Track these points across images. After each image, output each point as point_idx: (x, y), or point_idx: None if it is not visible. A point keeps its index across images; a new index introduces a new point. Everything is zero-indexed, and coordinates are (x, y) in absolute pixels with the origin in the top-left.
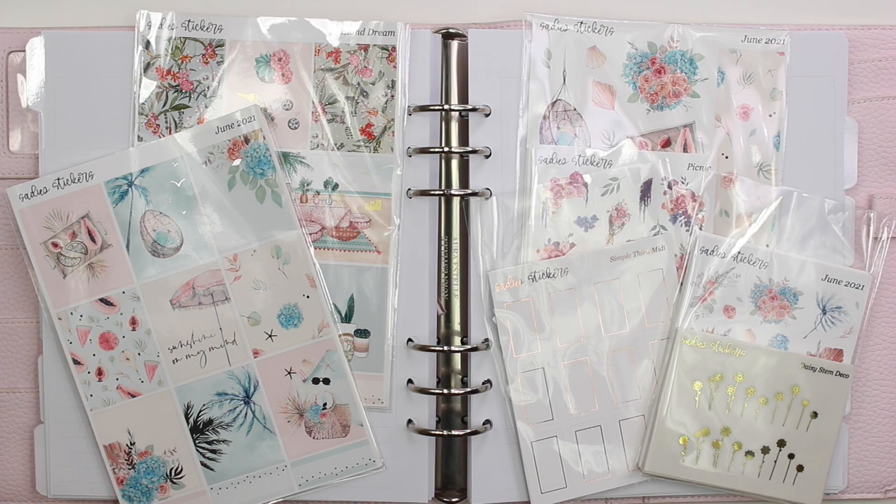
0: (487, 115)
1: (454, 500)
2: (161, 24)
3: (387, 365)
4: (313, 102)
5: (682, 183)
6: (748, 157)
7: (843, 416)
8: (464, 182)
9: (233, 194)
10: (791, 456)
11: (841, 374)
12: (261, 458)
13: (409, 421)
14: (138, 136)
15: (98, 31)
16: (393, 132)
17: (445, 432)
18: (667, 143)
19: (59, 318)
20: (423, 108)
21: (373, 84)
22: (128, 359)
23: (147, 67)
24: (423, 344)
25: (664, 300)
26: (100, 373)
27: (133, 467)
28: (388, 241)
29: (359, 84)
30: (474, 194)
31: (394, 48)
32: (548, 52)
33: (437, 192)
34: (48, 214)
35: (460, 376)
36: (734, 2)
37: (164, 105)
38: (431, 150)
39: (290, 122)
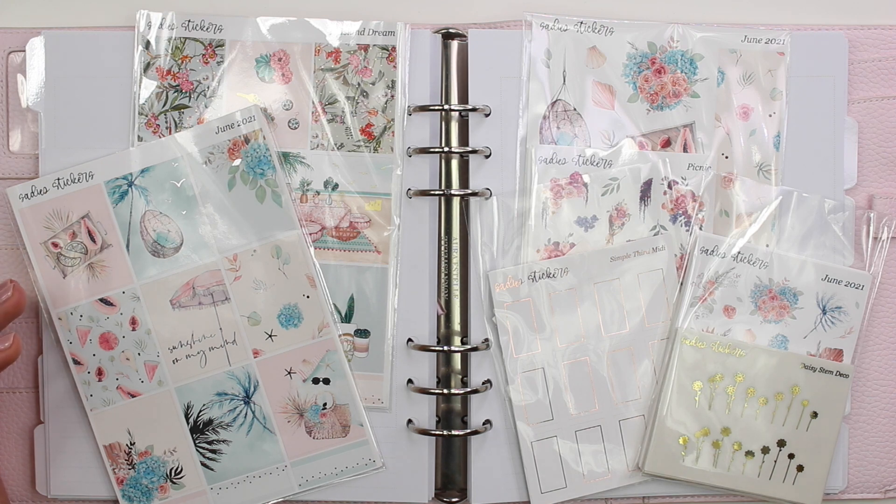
0: (487, 115)
1: (454, 500)
2: (161, 24)
3: (387, 365)
4: (313, 102)
5: (682, 183)
6: (748, 157)
7: (843, 416)
8: (464, 182)
9: (233, 194)
10: (791, 456)
11: (841, 374)
12: (261, 458)
13: (409, 421)
14: (138, 136)
15: (98, 31)
16: (393, 132)
17: (445, 432)
18: (667, 143)
19: (59, 318)
20: (423, 108)
21: (373, 84)
22: (128, 359)
23: (147, 67)
24: (423, 344)
25: (664, 300)
26: (100, 373)
27: (133, 467)
28: (388, 241)
29: (359, 84)
30: (474, 194)
31: (394, 48)
32: (548, 52)
33: (437, 192)
34: (48, 214)
35: (460, 376)
36: (734, 2)
37: (164, 105)
38: (431, 150)
39: (290, 122)
